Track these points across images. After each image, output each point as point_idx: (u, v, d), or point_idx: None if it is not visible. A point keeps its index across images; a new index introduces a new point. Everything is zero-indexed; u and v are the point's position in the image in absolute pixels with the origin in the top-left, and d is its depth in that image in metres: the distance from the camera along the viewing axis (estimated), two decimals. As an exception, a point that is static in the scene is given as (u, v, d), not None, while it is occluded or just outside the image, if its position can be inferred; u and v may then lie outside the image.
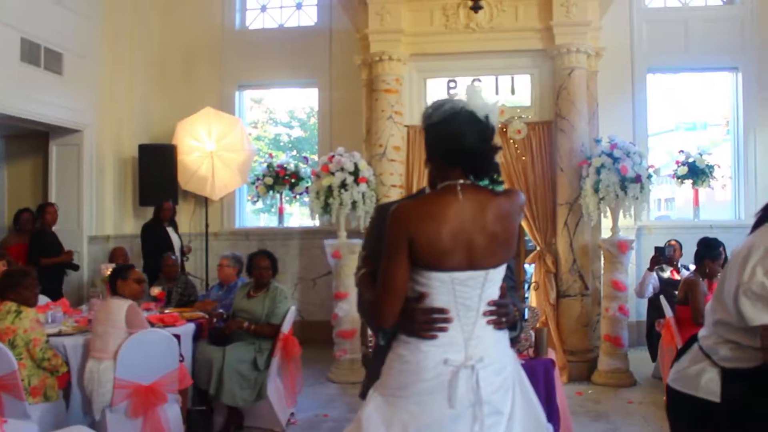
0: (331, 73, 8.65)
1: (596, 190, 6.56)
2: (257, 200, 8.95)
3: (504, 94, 7.73)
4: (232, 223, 8.98)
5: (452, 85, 7.55)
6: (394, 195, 7.06)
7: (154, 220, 7.76)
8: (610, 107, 7.76)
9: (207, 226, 8.64)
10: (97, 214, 8.05)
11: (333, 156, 7.00)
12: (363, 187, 6.87)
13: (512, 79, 7.49)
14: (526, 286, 4.46)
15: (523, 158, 7.02)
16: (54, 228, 7.76)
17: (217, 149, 8.29)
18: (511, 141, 7.03)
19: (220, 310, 5.97)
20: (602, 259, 6.84)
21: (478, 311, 2.15)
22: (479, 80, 7.50)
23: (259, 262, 5.77)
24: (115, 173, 8.34)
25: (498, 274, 2.18)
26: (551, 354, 4.30)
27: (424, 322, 2.12)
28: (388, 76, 7.15)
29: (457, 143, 2.10)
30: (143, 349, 4.69)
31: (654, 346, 6.72)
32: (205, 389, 5.47)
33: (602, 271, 6.84)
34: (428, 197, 2.18)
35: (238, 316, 5.73)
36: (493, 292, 2.19)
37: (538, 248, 7.03)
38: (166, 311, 6.07)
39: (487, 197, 2.13)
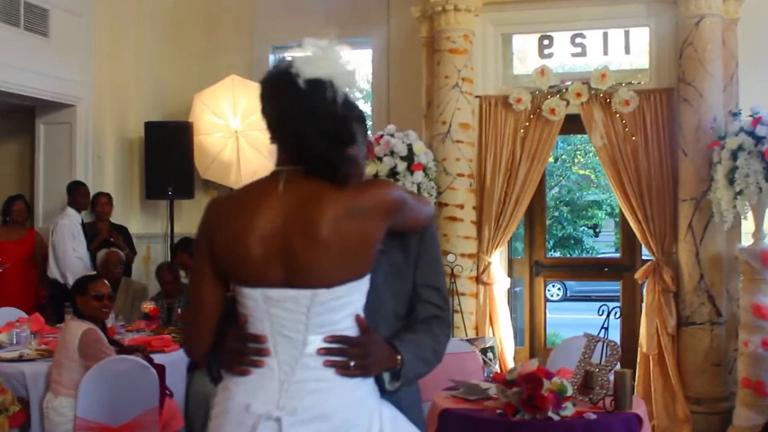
0: (388, 30, 8.45)
1: (731, 181, 6.16)
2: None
3: (616, 53, 7.41)
4: (264, 222, 8.88)
5: (546, 42, 7.29)
6: (461, 186, 6.87)
7: None
8: (757, 69, 7.18)
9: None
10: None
11: (381, 136, 6.84)
12: (419, 176, 6.74)
13: (626, 33, 7.19)
14: (606, 311, 4.09)
15: (633, 138, 6.73)
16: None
17: (243, 128, 8.26)
18: (617, 115, 6.74)
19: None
20: (741, 275, 6.41)
21: (305, 345, 2.02)
22: (583, 35, 7.22)
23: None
24: (117, 158, 8.42)
25: (337, 297, 2.01)
26: (638, 406, 3.95)
27: (233, 351, 2.06)
28: (454, 32, 6.96)
29: (277, 115, 2.07)
30: (110, 382, 4.68)
31: (812, 395, 6.20)
32: (200, 434, 5.40)
33: (741, 292, 6.40)
34: (246, 187, 2.14)
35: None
36: (332, 321, 2.02)
37: (652, 259, 6.71)
38: (165, 333, 6.05)
39: (320, 190, 2.02)
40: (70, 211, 7.58)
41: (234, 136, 8.28)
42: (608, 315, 4.09)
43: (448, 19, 6.93)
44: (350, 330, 2.06)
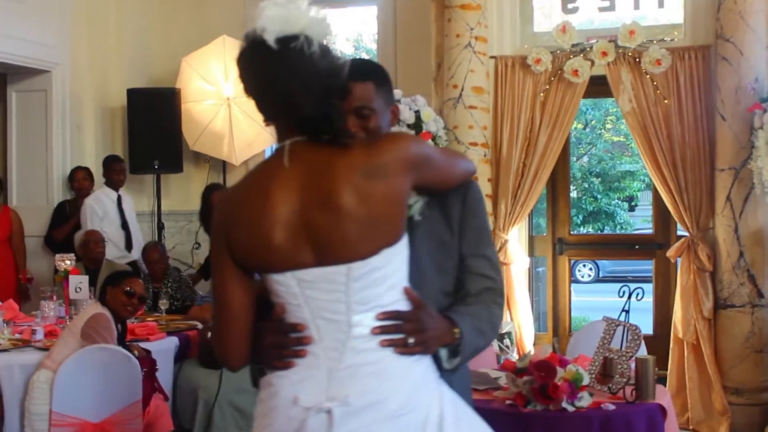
0: (395, -17, 8.44)
1: (774, 149, 6.17)
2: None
3: (649, 6, 7.41)
4: (261, 197, 8.95)
5: (570, -4, 7.32)
6: (475, 157, 6.88)
7: None
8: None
9: (224, 201, 8.65)
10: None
11: (386, 102, 6.85)
12: (428, 145, 6.71)
13: None
14: (627, 293, 4.12)
15: (665, 102, 6.72)
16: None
17: (236, 94, 8.25)
18: (647, 76, 6.74)
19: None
20: (785, 252, 6.47)
21: (350, 326, 2.04)
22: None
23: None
24: (98, 129, 8.45)
25: (375, 269, 2.03)
26: (662, 396, 3.99)
27: (273, 344, 2.09)
28: (467, -15, 6.95)
29: (260, 85, 2.08)
30: (89, 374, 4.75)
31: None
32: (188, 429, 5.48)
33: (785, 271, 6.47)
34: (250, 173, 2.20)
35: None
36: (375, 296, 2.05)
37: (687, 235, 6.73)
38: (149, 320, 6.14)
39: (329, 156, 2.05)
40: (105, 189, 7.85)
41: (226, 103, 8.29)
42: (629, 297, 4.11)
43: (458, -30, 6.95)
44: (397, 304, 2.07)
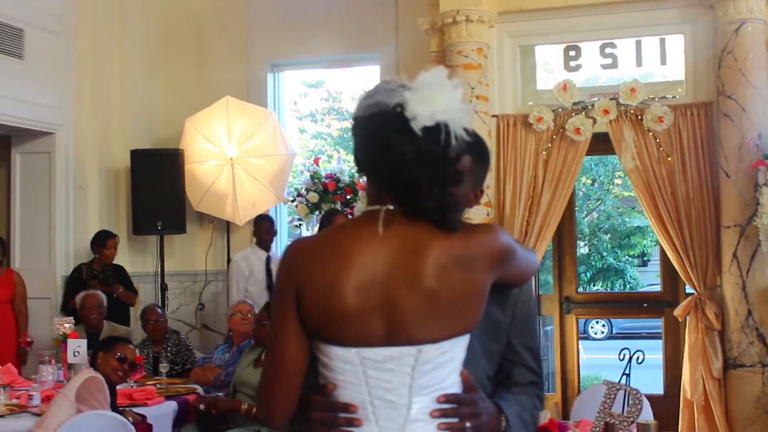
0: (397, 44, 8.52)
1: (779, 205, 6.16)
2: (300, 224, 8.91)
3: (651, 63, 7.45)
4: (265, 258, 8.96)
5: (572, 54, 7.37)
6: (478, 216, 6.88)
7: None
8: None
9: (229, 261, 8.66)
10: (77, 245, 8.20)
11: (387, 161, 6.88)
12: (429, 205, 6.71)
13: (662, 41, 7.27)
14: (627, 355, 4.09)
15: (669, 159, 6.76)
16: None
17: (239, 155, 8.33)
18: (650, 134, 6.77)
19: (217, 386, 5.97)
20: (794, 310, 6.42)
21: (409, 409, 1.99)
22: (614, 44, 7.27)
23: (264, 316, 5.69)
24: (101, 190, 8.51)
25: (443, 353, 1.98)
26: (665, 462, 3.92)
27: (320, 421, 2.03)
28: (467, 45, 7.04)
29: (383, 159, 2.00)
30: (84, 440, 4.69)
31: None
32: (187, 497, 5.45)
33: (794, 329, 6.43)
34: (335, 228, 2.13)
35: (239, 392, 5.67)
36: (439, 379, 2.00)
37: (694, 293, 6.71)
38: (149, 383, 6.11)
39: (428, 234, 1.98)
40: (255, 248, 8.16)
41: (229, 163, 8.34)
42: (630, 360, 4.07)
43: (459, 31, 7.01)
44: (455, 387, 2.03)
